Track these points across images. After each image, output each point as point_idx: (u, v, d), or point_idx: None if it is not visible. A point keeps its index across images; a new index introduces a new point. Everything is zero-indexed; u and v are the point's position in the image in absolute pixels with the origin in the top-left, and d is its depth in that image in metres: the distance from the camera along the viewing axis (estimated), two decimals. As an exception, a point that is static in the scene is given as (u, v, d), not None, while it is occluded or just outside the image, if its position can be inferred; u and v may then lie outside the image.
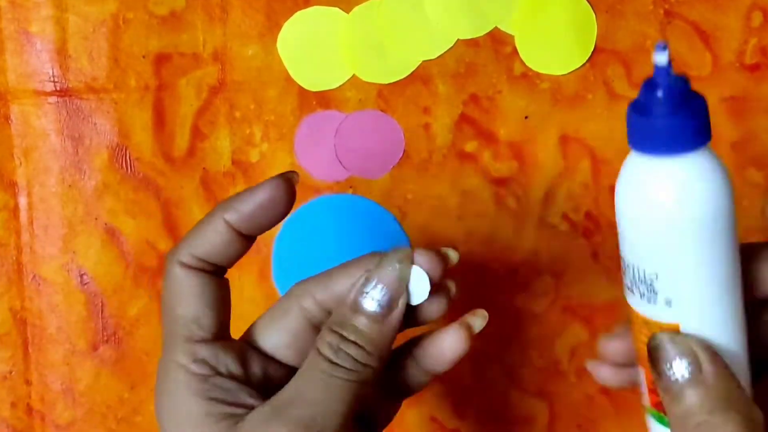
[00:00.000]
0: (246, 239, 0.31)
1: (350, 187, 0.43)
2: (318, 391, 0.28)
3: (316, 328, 0.31)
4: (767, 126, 0.43)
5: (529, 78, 0.43)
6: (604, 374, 0.33)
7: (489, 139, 0.43)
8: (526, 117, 0.43)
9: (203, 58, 0.43)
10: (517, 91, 0.43)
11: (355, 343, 0.29)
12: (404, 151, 0.43)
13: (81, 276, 0.43)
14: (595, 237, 0.43)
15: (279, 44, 0.43)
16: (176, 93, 0.43)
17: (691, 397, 0.26)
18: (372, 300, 0.29)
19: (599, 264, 0.43)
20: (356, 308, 0.29)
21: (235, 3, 0.43)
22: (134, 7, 0.42)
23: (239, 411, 0.29)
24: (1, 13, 0.42)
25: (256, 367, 0.31)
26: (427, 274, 0.30)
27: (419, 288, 0.30)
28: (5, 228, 0.43)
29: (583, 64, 0.42)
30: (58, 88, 0.42)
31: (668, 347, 0.27)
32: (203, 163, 0.43)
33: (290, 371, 0.31)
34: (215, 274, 0.31)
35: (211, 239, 0.30)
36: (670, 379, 0.27)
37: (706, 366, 0.27)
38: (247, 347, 0.31)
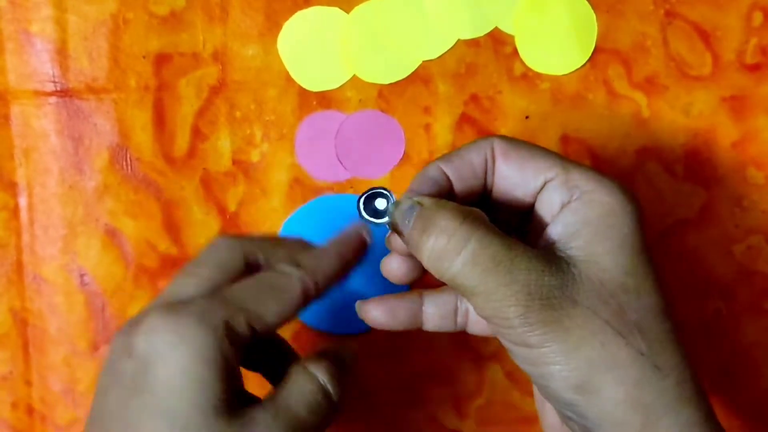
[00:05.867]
0: None
1: (350, 187, 0.43)
2: None
3: None
4: (767, 126, 0.43)
5: (529, 78, 0.43)
6: (392, 266, 0.34)
7: (489, 139, 0.43)
8: (526, 117, 0.43)
9: (203, 58, 0.43)
10: (518, 91, 0.43)
11: None
12: (404, 151, 0.43)
13: (81, 276, 0.43)
14: (596, 237, 0.43)
15: (279, 44, 0.43)
16: (176, 93, 0.43)
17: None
18: None
19: (599, 264, 0.43)
20: None
21: (235, 3, 0.42)
22: (134, 7, 0.42)
23: None
24: (1, 13, 0.42)
25: None
26: None
27: None
28: (6, 228, 0.43)
29: (584, 64, 0.42)
30: (58, 89, 0.42)
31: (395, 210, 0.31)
32: (204, 164, 0.43)
33: None
34: None
35: None
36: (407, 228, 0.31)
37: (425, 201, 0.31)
38: None
